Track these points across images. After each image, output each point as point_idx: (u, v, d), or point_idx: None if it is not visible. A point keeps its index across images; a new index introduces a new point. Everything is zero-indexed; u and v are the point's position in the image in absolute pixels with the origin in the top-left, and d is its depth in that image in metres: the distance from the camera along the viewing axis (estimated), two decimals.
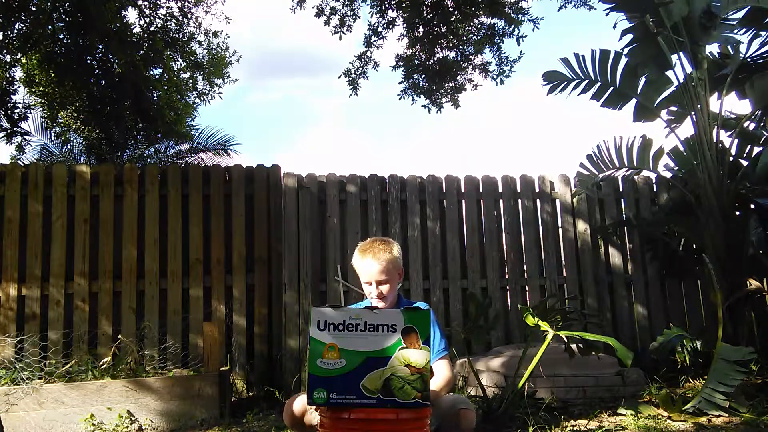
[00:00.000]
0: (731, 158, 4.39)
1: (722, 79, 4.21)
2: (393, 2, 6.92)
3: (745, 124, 4.48)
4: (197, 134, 9.33)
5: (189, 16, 7.37)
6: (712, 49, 4.66)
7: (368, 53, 7.34)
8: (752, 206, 4.34)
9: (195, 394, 3.44)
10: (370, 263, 2.17)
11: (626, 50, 4.37)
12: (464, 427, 1.92)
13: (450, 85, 7.43)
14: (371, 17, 7.23)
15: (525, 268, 4.83)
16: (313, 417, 1.88)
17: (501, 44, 7.23)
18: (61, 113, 7.90)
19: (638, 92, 4.54)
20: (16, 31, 5.98)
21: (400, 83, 7.41)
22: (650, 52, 4.26)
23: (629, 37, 4.27)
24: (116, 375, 3.53)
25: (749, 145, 4.61)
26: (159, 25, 6.98)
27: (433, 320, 1.95)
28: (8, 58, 6.41)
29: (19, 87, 7.04)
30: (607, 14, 4.23)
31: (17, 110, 6.34)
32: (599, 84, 4.63)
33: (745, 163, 4.50)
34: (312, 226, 4.38)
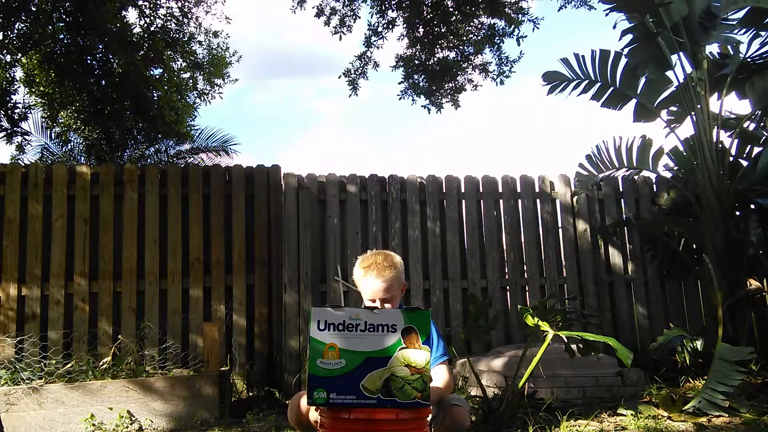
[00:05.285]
0: (731, 158, 4.39)
1: (722, 79, 4.21)
2: (393, 2, 6.91)
3: (745, 124, 4.48)
4: (197, 134, 9.35)
5: (189, 16, 7.36)
6: (712, 49, 4.68)
7: (368, 53, 7.34)
8: (752, 206, 4.35)
9: (195, 394, 3.44)
10: (373, 281, 2.09)
11: (626, 50, 4.37)
12: (455, 423, 1.92)
13: (450, 85, 7.42)
14: (371, 17, 7.23)
15: (525, 268, 4.83)
16: (317, 414, 1.88)
17: (501, 44, 7.23)
18: (61, 113, 7.90)
19: (638, 92, 4.55)
20: (16, 31, 5.98)
21: (400, 83, 7.42)
22: (650, 53, 4.26)
23: (629, 37, 4.27)
24: (116, 375, 3.53)
25: (749, 145, 4.61)
26: (159, 25, 6.98)
27: (431, 325, 1.93)
28: (8, 58, 6.41)
29: (19, 87, 7.04)
30: (607, 14, 4.23)
31: (17, 110, 6.34)
32: (599, 84, 4.63)
33: (745, 163, 4.50)
34: (312, 226, 4.37)
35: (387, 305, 2.10)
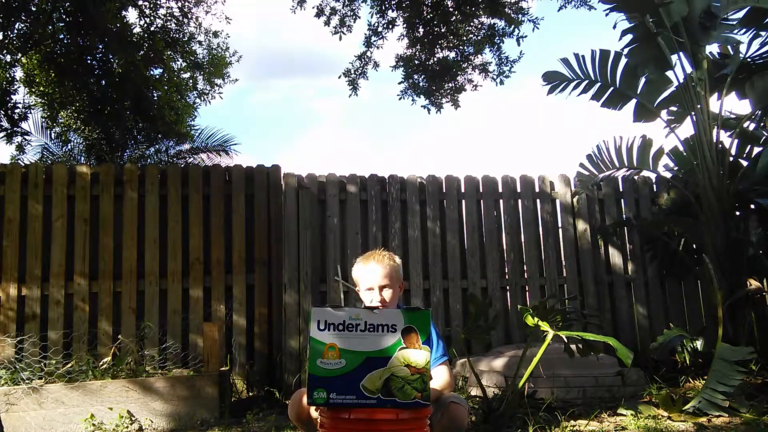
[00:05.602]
0: (731, 158, 4.39)
1: (722, 79, 4.21)
2: (393, 2, 6.91)
3: (745, 124, 4.48)
4: (197, 134, 9.35)
5: (189, 16, 7.36)
6: (712, 49, 4.68)
7: (368, 53, 7.34)
8: (752, 206, 4.35)
9: (195, 394, 3.44)
10: (373, 267, 2.15)
11: (626, 50, 4.38)
12: (453, 421, 1.92)
13: (450, 85, 7.42)
14: (371, 17, 7.24)
15: (525, 268, 4.83)
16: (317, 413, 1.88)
17: (501, 44, 7.24)
18: (61, 113, 7.90)
19: (638, 92, 4.55)
20: (16, 31, 5.98)
21: (400, 83, 7.42)
22: (650, 53, 4.26)
23: (629, 37, 4.27)
24: (116, 375, 3.53)
25: (749, 145, 4.61)
26: (159, 25, 6.98)
27: (431, 325, 1.94)
28: (8, 58, 6.41)
29: (19, 87, 7.04)
30: (607, 14, 4.23)
31: (17, 110, 6.33)
32: (599, 84, 4.63)
33: (745, 163, 4.50)
34: (312, 226, 4.37)
35: (386, 292, 2.13)
